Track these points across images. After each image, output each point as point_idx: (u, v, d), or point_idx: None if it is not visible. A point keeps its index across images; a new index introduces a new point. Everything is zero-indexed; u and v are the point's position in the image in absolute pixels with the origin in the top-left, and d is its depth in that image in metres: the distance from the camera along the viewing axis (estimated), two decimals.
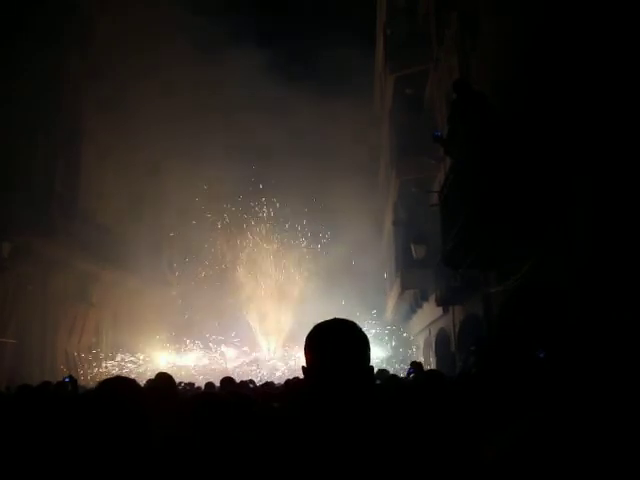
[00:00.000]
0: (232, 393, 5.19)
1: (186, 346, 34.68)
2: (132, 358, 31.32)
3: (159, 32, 29.99)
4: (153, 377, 6.18)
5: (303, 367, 2.28)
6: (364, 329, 2.31)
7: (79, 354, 28.03)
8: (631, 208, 6.77)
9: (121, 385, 3.05)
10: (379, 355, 30.38)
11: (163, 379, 5.65)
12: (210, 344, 34.78)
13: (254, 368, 31.45)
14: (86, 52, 27.53)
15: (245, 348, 35.56)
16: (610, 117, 7.05)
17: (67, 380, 10.14)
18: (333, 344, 2.23)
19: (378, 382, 9.15)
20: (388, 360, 29.87)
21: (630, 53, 6.61)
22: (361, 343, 2.27)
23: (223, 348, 34.70)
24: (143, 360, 31.61)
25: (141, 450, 2.82)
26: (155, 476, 2.82)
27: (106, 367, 29.15)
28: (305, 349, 2.29)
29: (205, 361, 33.60)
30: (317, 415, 2.21)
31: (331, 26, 34.91)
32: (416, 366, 11.38)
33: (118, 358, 30.72)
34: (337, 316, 2.36)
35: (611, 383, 4.89)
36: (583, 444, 2.78)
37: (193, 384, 14.61)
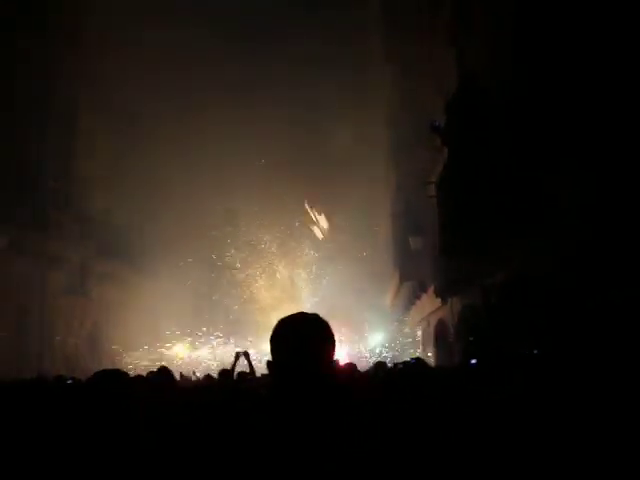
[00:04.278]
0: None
1: (200, 338, 34.63)
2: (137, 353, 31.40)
3: (157, 29, 29.78)
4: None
5: (267, 361, 2.26)
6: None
7: (77, 347, 28.00)
8: (623, 201, 6.79)
9: (110, 377, 3.06)
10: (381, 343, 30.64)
11: (162, 372, 6.00)
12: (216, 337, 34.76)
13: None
14: (79, 41, 27.43)
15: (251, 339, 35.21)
16: (603, 114, 7.04)
17: (70, 382, 10.05)
18: (290, 339, 2.22)
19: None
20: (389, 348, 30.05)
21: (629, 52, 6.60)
22: (320, 338, 2.24)
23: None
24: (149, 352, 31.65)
25: (130, 436, 2.84)
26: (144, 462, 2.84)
27: (107, 359, 29.12)
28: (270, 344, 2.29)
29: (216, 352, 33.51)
30: (274, 409, 2.20)
31: (324, 16, 34.41)
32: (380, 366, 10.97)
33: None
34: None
35: (609, 378, 4.89)
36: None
37: (190, 378, 14.60)
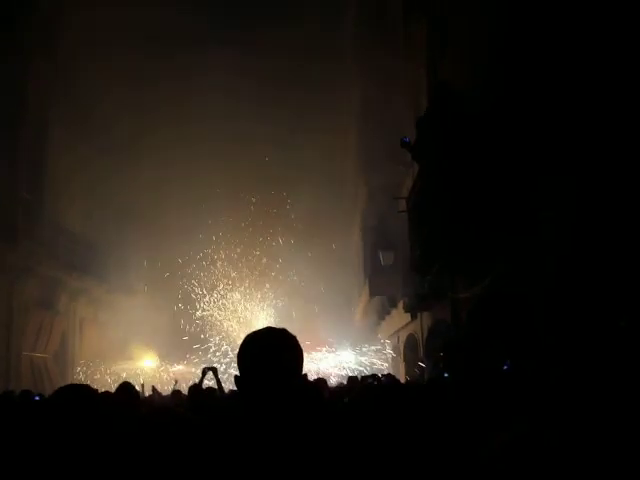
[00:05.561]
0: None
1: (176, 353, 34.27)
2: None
3: (129, 30, 29.57)
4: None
5: (235, 376, 2.25)
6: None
7: (45, 363, 27.58)
8: (598, 216, 6.83)
9: (75, 392, 3.01)
10: (350, 361, 30.42)
11: (124, 388, 6.05)
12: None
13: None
14: (52, 52, 27.19)
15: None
16: (579, 127, 7.09)
17: (37, 398, 9.91)
18: (258, 354, 2.22)
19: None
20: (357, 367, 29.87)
21: (609, 49, 6.63)
22: (288, 352, 2.24)
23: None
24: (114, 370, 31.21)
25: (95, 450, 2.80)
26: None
27: (75, 376, 28.74)
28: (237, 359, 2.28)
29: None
30: (244, 425, 2.20)
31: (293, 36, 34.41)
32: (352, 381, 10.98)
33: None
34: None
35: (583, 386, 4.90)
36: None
37: (160, 393, 14.45)
